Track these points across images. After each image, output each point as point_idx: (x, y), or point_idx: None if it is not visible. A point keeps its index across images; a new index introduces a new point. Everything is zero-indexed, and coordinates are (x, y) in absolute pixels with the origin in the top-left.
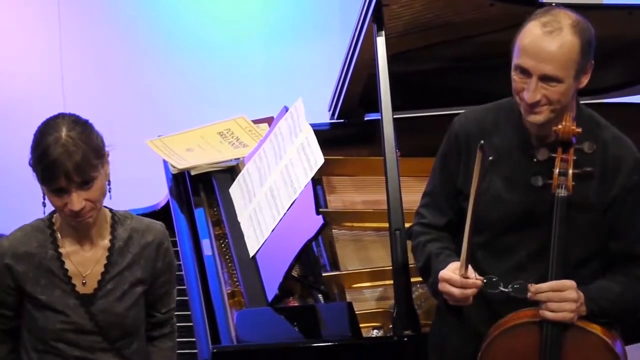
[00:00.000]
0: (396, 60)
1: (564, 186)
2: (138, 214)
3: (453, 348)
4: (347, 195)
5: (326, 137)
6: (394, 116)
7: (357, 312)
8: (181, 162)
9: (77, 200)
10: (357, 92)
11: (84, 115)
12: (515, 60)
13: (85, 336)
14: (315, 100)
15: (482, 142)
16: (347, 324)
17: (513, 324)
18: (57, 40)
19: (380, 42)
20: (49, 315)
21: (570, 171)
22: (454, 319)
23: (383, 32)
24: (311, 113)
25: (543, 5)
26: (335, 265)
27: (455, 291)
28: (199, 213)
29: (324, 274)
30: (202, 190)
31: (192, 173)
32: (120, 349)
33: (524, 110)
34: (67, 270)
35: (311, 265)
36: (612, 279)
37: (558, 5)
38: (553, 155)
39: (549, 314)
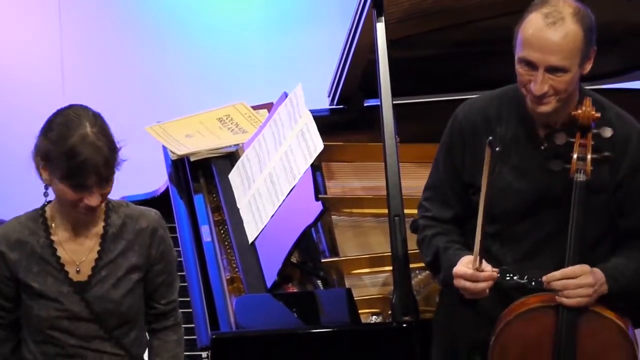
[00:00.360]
0: (396, 45)
1: (582, 171)
2: (137, 200)
3: (462, 333)
4: (347, 181)
5: (325, 123)
6: (394, 102)
7: (356, 298)
8: (180, 148)
9: (97, 197)
10: (356, 78)
11: (83, 102)
12: (520, 53)
13: (81, 324)
14: (314, 86)
15: (490, 138)
16: (346, 310)
17: (528, 308)
18: (57, 27)
19: (380, 27)
20: (42, 303)
21: (589, 156)
22: (462, 304)
23: (383, 17)
24: (310, 99)
25: None
26: (334, 252)
27: (471, 286)
28: (198, 199)
29: (323, 260)
30: (202, 177)
31: (192, 159)
32: (119, 338)
33: (530, 102)
34: (59, 257)
35: (310, 251)
36: (626, 255)
37: None
38: (571, 140)
39: (565, 300)
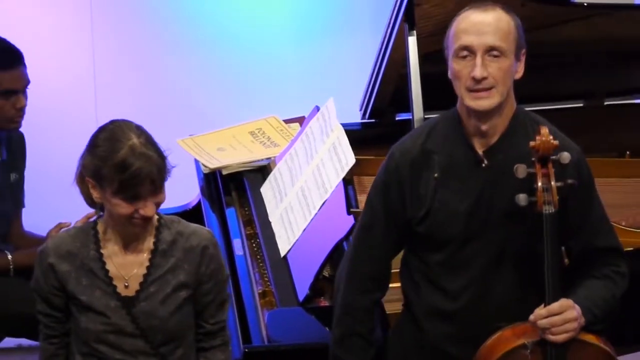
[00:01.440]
0: (428, 60)
1: (550, 202)
2: (169, 214)
3: None
4: None
5: (357, 136)
6: (425, 116)
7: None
8: (212, 162)
9: (152, 206)
10: (388, 92)
11: (115, 114)
12: (455, 45)
13: (127, 339)
14: (346, 100)
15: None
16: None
17: (512, 347)
18: (89, 39)
19: (412, 41)
20: (90, 316)
21: (554, 185)
22: (412, 337)
23: (414, 31)
24: (342, 113)
25: (574, 5)
26: None
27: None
28: (230, 212)
29: None
30: (234, 190)
31: (224, 172)
32: (165, 355)
33: (471, 100)
34: (108, 271)
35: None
36: (589, 284)
37: None
38: (531, 171)
39: (552, 337)
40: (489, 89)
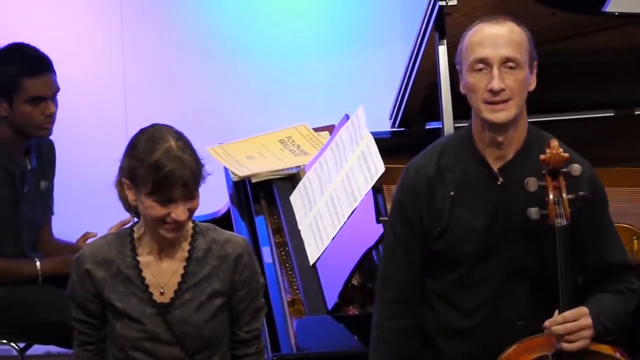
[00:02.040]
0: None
1: (561, 215)
2: (198, 221)
3: None
4: None
5: (387, 145)
6: (455, 125)
7: None
8: (242, 170)
9: (184, 210)
10: (418, 101)
11: (144, 122)
12: (470, 58)
13: (162, 346)
14: (376, 109)
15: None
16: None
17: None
18: (119, 48)
19: (442, 50)
20: (125, 323)
21: (565, 197)
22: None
23: (445, 40)
24: (372, 121)
25: (605, 14)
26: None
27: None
28: (260, 221)
29: None
30: (263, 198)
31: (253, 181)
32: None
33: (488, 113)
34: (144, 278)
35: (371, 273)
36: (601, 297)
37: None
38: (542, 184)
39: (568, 346)
40: (506, 100)
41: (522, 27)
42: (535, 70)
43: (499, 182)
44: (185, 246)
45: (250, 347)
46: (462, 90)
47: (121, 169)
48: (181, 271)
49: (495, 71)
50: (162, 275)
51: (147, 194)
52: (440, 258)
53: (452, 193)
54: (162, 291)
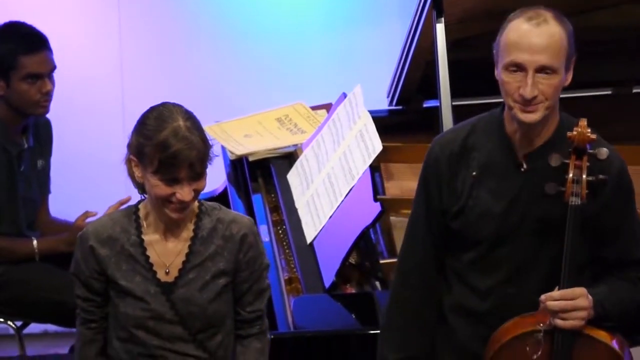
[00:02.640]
0: (455, 47)
1: (577, 194)
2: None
3: None
4: (405, 182)
5: (384, 123)
6: (453, 103)
7: None
8: (239, 148)
9: (189, 191)
10: (416, 79)
11: (142, 100)
12: (506, 59)
13: (165, 325)
14: (373, 87)
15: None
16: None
17: (523, 332)
18: (116, 26)
19: (440, 28)
20: (129, 301)
21: (584, 178)
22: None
23: (442, 18)
24: (369, 99)
25: None
26: (392, 253)
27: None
28: (257, 199)
29: (381, 261)
30: (260, 177)
31: (250, 159)
32: (202, 341)
33: (519, 112)
34: (148, 257)
35: (369, 252)
36: (611, 282)
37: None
38: (565, 161)
39: (561, 322)
40: (538, 103)
41: (563, 24)
42: (572, 66)
43: (522, 169)
44: (191, 226)
45: (253, 327)
46: (496, 77)
47: (129, 145)
48: (186, 250)
49: (530, 79)
50: (167, 255)
51: (152, 173)
52: (458, 237)
53: (474, 173)
54: (167, 271)
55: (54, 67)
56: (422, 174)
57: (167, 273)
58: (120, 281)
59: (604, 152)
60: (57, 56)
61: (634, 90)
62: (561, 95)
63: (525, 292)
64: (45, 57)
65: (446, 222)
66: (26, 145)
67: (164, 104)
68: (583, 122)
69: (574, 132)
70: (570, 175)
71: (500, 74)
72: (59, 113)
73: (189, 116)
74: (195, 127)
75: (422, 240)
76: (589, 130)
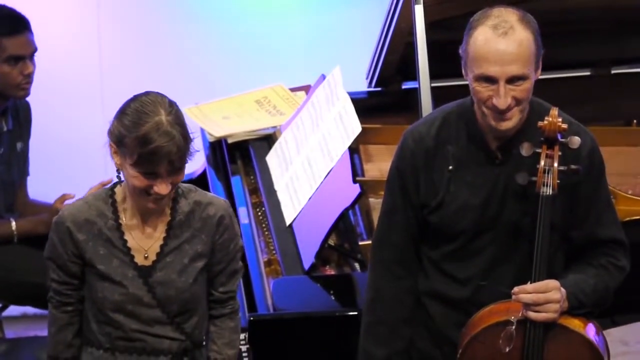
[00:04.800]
0: (434, 28)
1: (548, 184)
2: None
3: (420, 353)
4: (384, 163)
5: (363, 105)
6: (432, 84)
7: None
8: (218, 130)
9: (167, 185)
10: (394, 61)
11: (120, 82)
12: (476, 71)
13: (143, 308)
14: (352, 69)
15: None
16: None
17: (494, 322)
18: (94, 7)
19: (419, 10)
20: (107, 286)
21: (555, 167)
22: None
23: (421, 0)
24: (348, 81)
25: None
26: (371, 234)
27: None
28: (236, 181)
29: (360, 243)
30: (239, 158)
31: (229, 141)
32: (180, 323)
33: (492, 120)
34: (126, 241)
35: (348, 233)
36: (582, 270)
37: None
38: (537, 150)
39: (533, 315)
40: (512, 109)
41: (529, 24)
42: (540, 63)
43: (497, 161)
44: (167, 209)
45: (225, 308)
46: (465, 78)
47: (110, 132)
48: (163, 234)
49: (502, 89)
50: (145, 239)
51: (131, 165)
52: (436, 230)
53: (450, 167)
54: (146, 255)
55: (35, 49)
56: (396, 166)
57: (145, 257)
58: (97, 265)
59: (575, 141)
60: (36, 37)
61: (613, 71)
62: (540, 76)
63: (502, 282)
64: (26, 39)
65: (424, 216)
66: (5, 128)
67: (147, 94)
68: (554, 111)
69: (545, 122)
70: (542, 164)
71: (470, 82)
72: (38, 95)
73: (172, 109)
74: (178, 121)
75: (401, 232)
76: (560, 119)
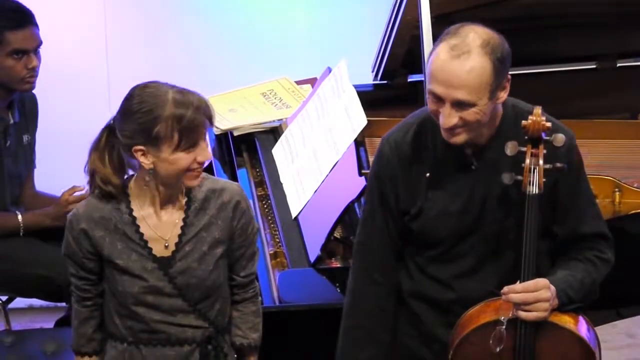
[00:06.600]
0: (440, 21)
1: (534, 183)
2: None
3: (409, 351)
4: None
5: (369, 98)
6: None
7: None
8: (224, 123)
9: (208, 149)
10: (400, 54)
11: (127, 75)
12: (427, 85)
13: (164, 298)
14: (358, 62)
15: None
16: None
17: (484, 322)
18: (101, 1)
19: (424, 3)
20: (126, 279)
21: (541, 165)
22: (407, 324)
23: None
24: (354, 74)
25: None
26: None
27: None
28: (242, 174)
29: None
30: (245, 151)
31: (235, 134)
32: (202, 310)
33: (443, 132)
34: (142, 234)
35: (353, 226)
36: (569, 266)
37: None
38: (522, 149)
39: (523, 314)
40: (459, 128)
41: (490, 52)
42: (507, 85)
43: (473, 167)
44: (182, 197)
45: (247, 292)
46: None
47: (126, 138)
48: (180, 223)
49: (446, 110)
50: (161, 229)
51: (173, 149)
52: (419, 237)
53: (427, 175)
54: (166, 245)
55: (40, 43)
56: (375, 172)
57: (166, 247)
58: (116, 260)
59: (560, 138)
60: (42, 30)
61: (618, 64)
62: (546, 70)
63: (488, 283)
64: (31, 33)
65: (405, 223)
66: (12, 121)
67: (135, 88)
68: (537, 110)
69: (529, 121)
70: (527, 163)
71: (426, 94)
72: (45, 88)
73: (171, 85)
74: (184, 89)
75: (380, 238)
76: (544, 118)
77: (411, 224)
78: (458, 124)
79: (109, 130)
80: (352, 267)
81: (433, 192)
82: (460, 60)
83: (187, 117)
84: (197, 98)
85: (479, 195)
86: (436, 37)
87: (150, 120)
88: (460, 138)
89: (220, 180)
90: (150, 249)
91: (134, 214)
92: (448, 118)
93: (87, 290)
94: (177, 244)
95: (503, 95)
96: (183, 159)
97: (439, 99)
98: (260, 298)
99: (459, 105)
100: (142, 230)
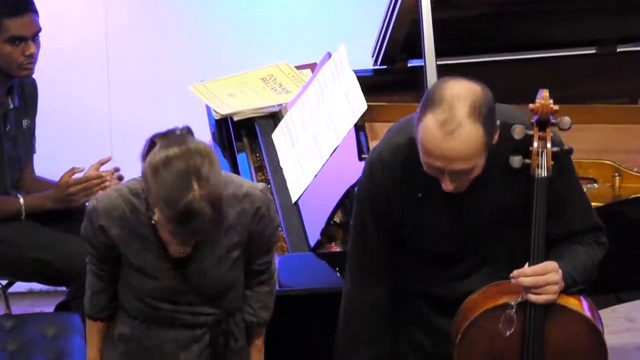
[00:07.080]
0: (440, 6)
1: (543, 166)
2: None
3: (408, 338)
4: None
5: (369, 83)
6: (438, 62)
7: None
8: (224, 108)
9: (190, 246)
10: (400, 38)
11: (126, 60)
12: (422, 156)
13: (179, 295)
14: (358, 47)
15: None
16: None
17: (492, 306)
18: None
19: None
20: (141, 278)
21: (549, 148)
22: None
23: None
24: (354, 59)
25: None
26: None
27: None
28: (242, 158)
29: None
30: (245, 136)
31: (235, 119)
32: (216, 300)
33: (442, 183)
34: (159, 236)
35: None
36: (570, 249)
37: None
38: (529, 132)
39: (533, 297)
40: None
41: (479, 117)
42: (498, 130)
43: None
44: None
45: (263, 275)
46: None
47: (147, 183)
48: None
49: (447, 178)
50: None
51: (168, 232)
52: (417, 250)
53: (419, 195)
54: (181, 249)
55: (38, 30)
56: (365, 187)
57: (181, 250)
58: (131, 259)
59: (566, 121)
60: (42, 14)
61: (618, 49)
62: (545, 55)
63: (490, 279)
64: (29, 20)
65: (400, 236)
66: (12, 106)
67: (176, 156)
68: (545, 92)
69: (537, 104)
70: (535, 146)
71: (419, 154)
72: (44, 72)
73: (207, 180)
74: (210, 196)
75: (372, 244)
76: (551, 101)
77: (408, 239)
78: (458, 184)
79: None
80: (347, 269)
81: (425, 210)
82: (454, 137)
83: (186, 228)
84: (212, 212)
85: (473, 209)
86: (436, 22)
87: (160, 203)
88: (459, 188)
89: (245, 184)
90: (166, 250)
91: (154, 217)
92: (449, 185)
93: (103, 270)
94: (193, 247)
95: (495, 138)
96: (171, 243)
97: (437, 169)
98: (275, 279)
99: (458, 173)
100: (159, 233)
